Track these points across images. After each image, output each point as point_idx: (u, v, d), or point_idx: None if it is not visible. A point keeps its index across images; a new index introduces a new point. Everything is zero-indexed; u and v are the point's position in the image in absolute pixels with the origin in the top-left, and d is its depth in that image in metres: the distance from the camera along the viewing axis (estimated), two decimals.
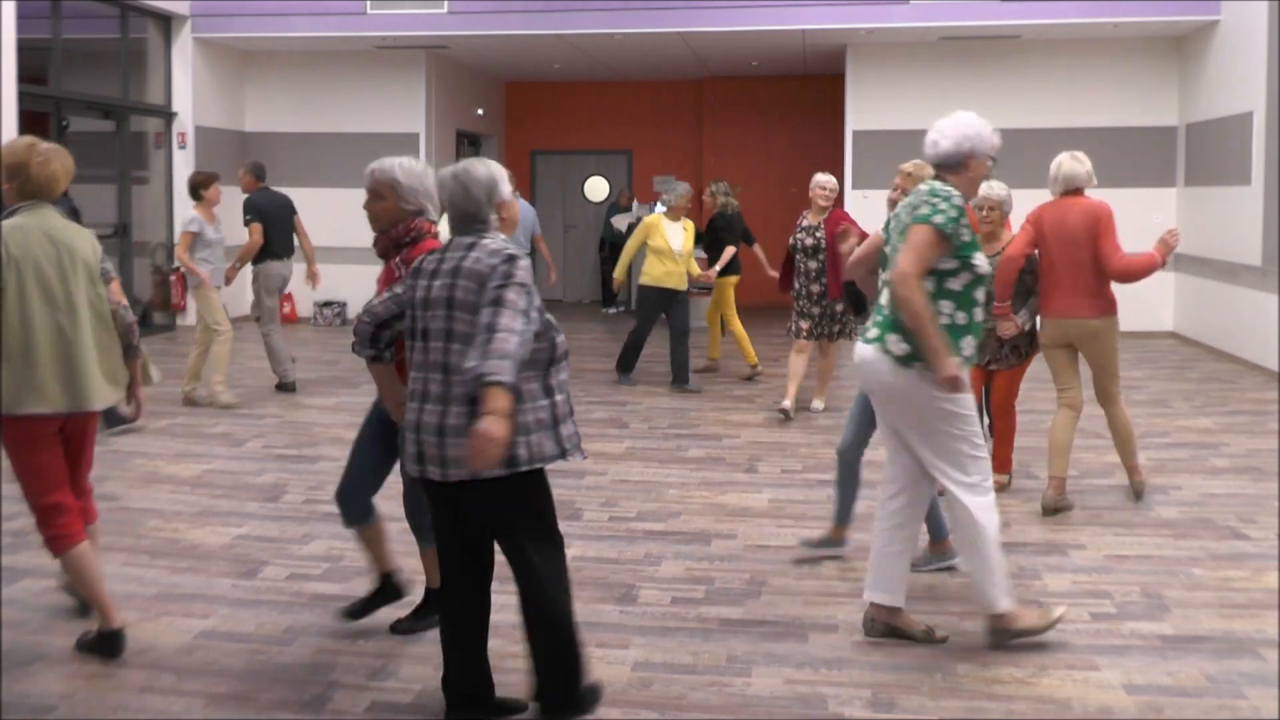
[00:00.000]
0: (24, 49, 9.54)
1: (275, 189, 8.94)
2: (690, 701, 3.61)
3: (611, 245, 15.22)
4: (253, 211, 8.59)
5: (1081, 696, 3.64)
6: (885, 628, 4.05)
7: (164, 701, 3.60)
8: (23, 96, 9.65)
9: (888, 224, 4.18)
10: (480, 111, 15.21)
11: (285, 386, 8.78)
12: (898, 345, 3.84)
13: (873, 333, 3.96)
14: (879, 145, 12.16)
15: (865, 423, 4.75)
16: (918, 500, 4.04)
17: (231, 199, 10.00)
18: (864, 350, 3.97)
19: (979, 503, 3.89)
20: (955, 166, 3.95)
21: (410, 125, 13.17)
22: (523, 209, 9.15)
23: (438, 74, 13.49)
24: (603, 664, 3.88)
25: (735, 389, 9.08)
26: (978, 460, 3.91)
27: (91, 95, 11.29)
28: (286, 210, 8.79)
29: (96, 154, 11.70)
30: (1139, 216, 11.99)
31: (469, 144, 15.32)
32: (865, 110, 12.39)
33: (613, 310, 14.84)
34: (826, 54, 13.00)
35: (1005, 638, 3.95)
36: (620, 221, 14.95)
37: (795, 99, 15.48)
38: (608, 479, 6.32)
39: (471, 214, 3.31)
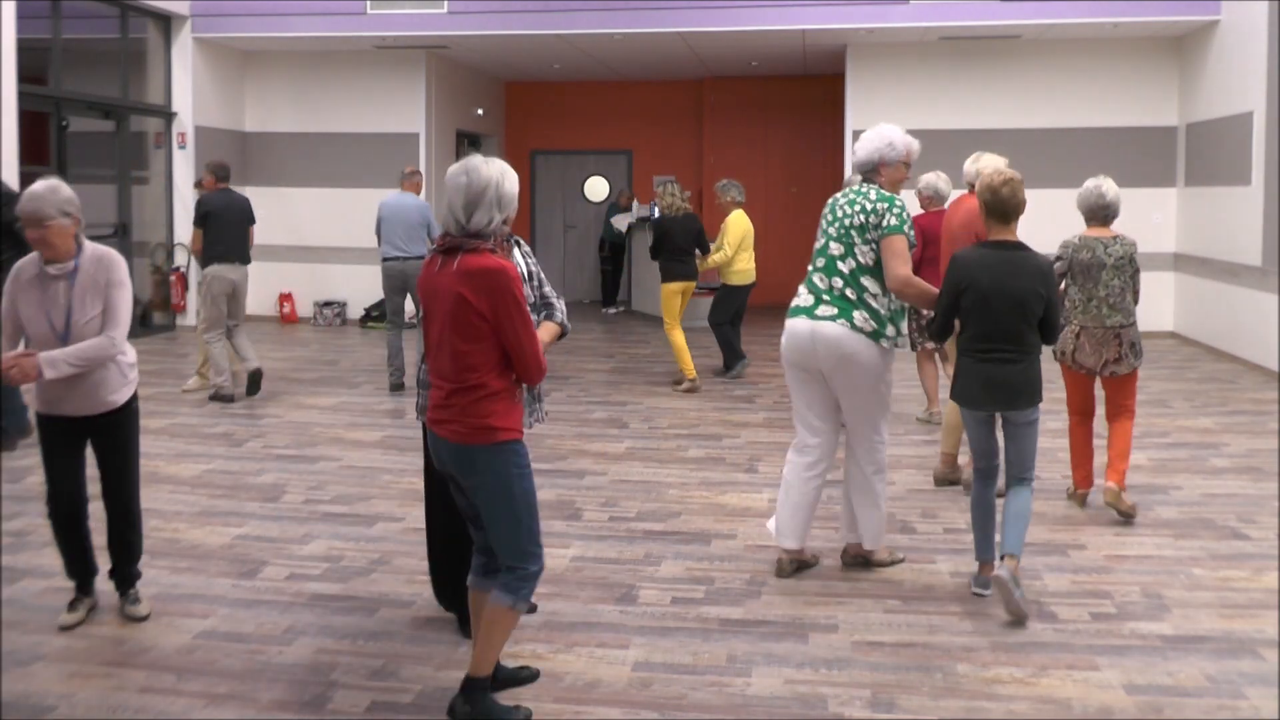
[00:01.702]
0: (24, 49, 9.55)
1: (235, 190, 8.72)
2: (690, 701, 3.61)
3: (611, 245, 15.21)
4: (201, 213, 8.37)
5: (1081, 696, 3.64)
6: (796, 565, 4.78)
7: (164, 701, 3.60)
8: (23, 96, 9.66)
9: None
10: (480, 111, 15.21)
11: (222, 397, 8.35)
12: (867, 323, 4.46)
13: (828, 310, 4.50)
14: None
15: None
16: (829, 460, 4.76)
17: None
18: (825, 326, 4.48)
19: (885, 456, 4.72)
20: (871, 171, 4.66)
21: (410, 125, 13.17)
22: (412, 205, 8.77)
23: (438, 74, 13.48)
24: (603, 664, 3.88)
25: (735, 389, 9.08)
26: (888, 422, 4.71)
27: (91, 95, 11.29)
28: (243, 214, 8.54)
29: (96, 154, 11.71)
30: (1139, 216, 12.00)
31: (469, 144, 15.32)
32: (865, 110, 12.38)
33: (612, 310, 14.84)
34: (826, 54, 13.00)
35: (864, 567, 4.78)
36: (620, 221, 14.94)
37: (795, 99, 15.48)
38: (608, 479, 6.32)
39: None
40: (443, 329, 3.27)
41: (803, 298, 4.62)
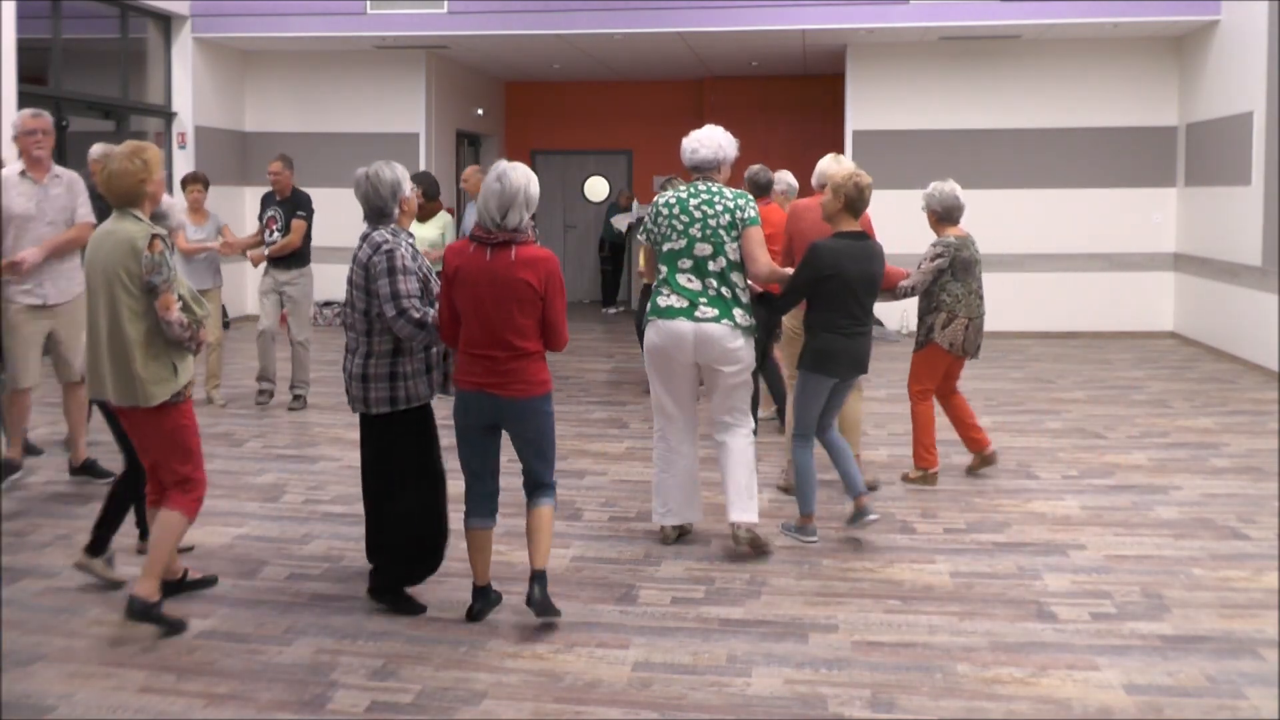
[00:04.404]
0: (24, 49, 9.54)
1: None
2: (690, 701, 3.61)
3: (611, 245, 15.22)
4: (313, 208, 8.39)
5: (1081, 696, 3.64)
6: (679, 533, 5.17)
7: (164, 701, 3.60)
8: (23, 96, 9.64)
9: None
10: (480, 111, 15.21)
11: (304, 399, 8.31)
12: (744, 319, 4.82)
13: (709, 311, 4.77)
14: (879, 145, 12.16)
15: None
16: (694, 438, 5.07)
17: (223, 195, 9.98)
18: (709, 327, 4.76)
19: (752, 433, 4.99)
20: (712, 170, 4.99)
21: (410, 125, 13.17)
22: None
23: (438, 74, 13.48)
24: (603, 664, 3.88)
25: None
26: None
27: (91, 95, 11.29)
28: None
29: None
30: (1139, 216, 12.01)
31: (469, 144, 15.32)
32: (865, 110, 12.38)
33: (612, 310, 14.84)
34: (826, 54, 13.00)
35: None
36: (620, 221, 14.94)
37: (795, 99, 15.47)
38: (608, 479, 6.32)
39: (377, 209, 4.23)
40: (504, 308, 3.96)
41: (674, 299, 4.82)
